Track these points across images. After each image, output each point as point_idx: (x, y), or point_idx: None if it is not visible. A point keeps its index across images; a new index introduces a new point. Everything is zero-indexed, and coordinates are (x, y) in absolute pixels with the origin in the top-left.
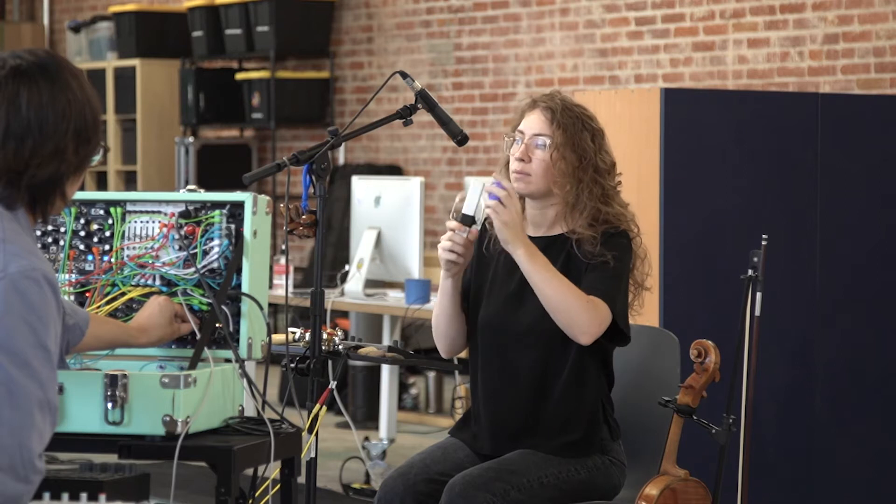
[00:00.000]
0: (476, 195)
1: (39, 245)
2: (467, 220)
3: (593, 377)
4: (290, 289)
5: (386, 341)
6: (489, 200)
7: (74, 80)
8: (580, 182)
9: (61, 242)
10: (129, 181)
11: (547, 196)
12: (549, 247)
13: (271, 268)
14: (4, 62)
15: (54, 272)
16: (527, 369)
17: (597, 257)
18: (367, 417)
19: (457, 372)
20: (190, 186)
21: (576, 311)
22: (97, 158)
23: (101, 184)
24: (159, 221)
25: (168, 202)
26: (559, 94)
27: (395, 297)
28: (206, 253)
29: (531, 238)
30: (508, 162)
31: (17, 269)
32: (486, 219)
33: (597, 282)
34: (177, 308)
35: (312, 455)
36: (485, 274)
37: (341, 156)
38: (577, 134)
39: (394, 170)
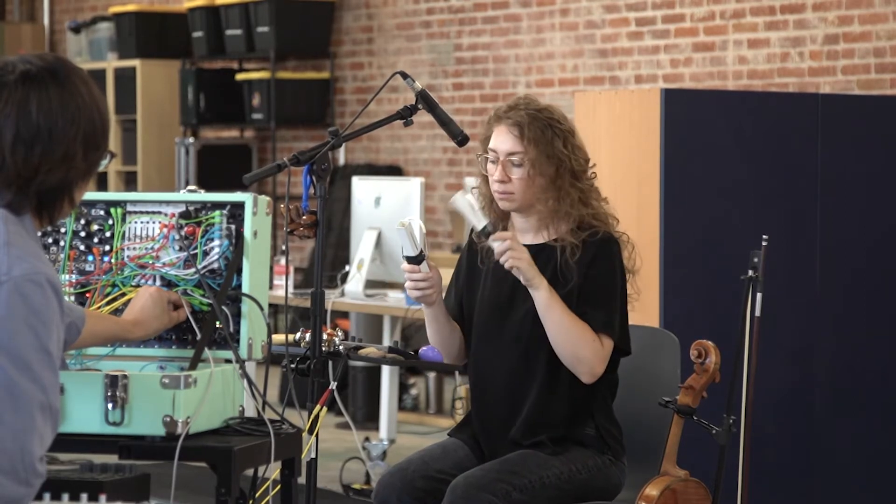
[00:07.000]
0: (407, 236)
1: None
2: (415, 260)
3: (590, 385)
4: (291, 289)
5: (386, 342)
6: (501, 257)
7: (84, 85)
8: (560, 190)
9: (61, 243)
10: (130, 181)
11: (531, 206)
12: (538, 255)
13: (271, 268)
14: (14, 67)
15: (58, 276)
16: (515, 375)
17: (583, 270)
18: (368, 418)
19: (457, 372)
20: (190, 187)
21: (582, 352)
22: (105, 163)
23: (102, 184)
24: (159, 222)
25: (168, 202)
26: (523, 101)
27: (395, 298)
28: (206, 253)
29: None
30: (484, 176)
31: (21, 273)
32: (471, 231)
33: (595, 311)
34: (170, 296)
35: (313, 455)
36: (476, 285)
37: (341, 156)
38: (548, 144)
39: (394, 170)
